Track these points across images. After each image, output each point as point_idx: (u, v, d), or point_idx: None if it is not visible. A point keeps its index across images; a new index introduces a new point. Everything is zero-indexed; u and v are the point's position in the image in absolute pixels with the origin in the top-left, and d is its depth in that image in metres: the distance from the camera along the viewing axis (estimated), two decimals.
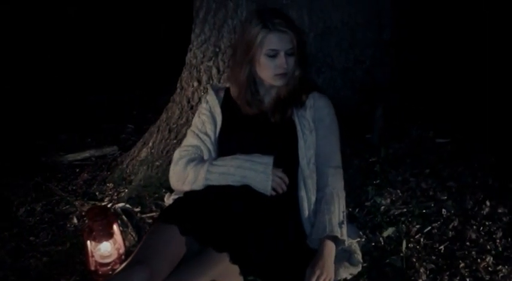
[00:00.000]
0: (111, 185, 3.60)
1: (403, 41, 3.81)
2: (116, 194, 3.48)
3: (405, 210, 2.91)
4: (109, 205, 3.27)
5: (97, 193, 3.52)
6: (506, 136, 3.47)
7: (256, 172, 2.30)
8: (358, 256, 2.48)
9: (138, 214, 3.14)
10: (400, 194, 3.03)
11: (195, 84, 3.30)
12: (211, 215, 2.25)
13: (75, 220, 3.22)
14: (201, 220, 2.23)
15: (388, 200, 2.97)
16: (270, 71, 2.32)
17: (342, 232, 2.32)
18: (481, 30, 4.40)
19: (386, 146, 3.39)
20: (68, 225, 3.20)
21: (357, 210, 2.92)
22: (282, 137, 2.41)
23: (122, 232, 2.80)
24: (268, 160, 2.31)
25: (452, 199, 2.98)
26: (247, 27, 2.31)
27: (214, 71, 3.25)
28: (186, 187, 2.42)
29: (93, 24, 6.67)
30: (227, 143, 2.46)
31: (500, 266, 2.55)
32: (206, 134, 2.47)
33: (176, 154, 2.49)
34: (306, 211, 2.37)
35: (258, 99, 2.45)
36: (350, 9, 3.35)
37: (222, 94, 2.56)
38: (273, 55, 2.28)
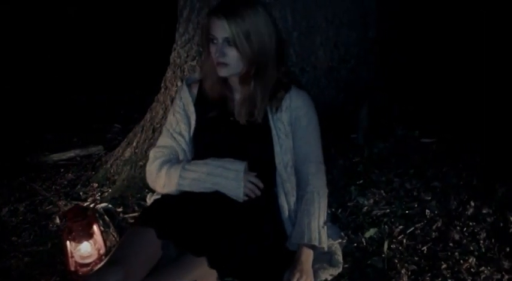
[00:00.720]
0: (95, 185, 3.58)
1: (393, 41, 3.79)
2: (99, 194, 3.46)
3: (388, 211, 2.88)
4: (92, 205, 3.25)
5: (81, 193, 3.50)
6: (492, 136, 3.46)
7: (228, 179, 2.24)
8: (339, 257, 2.45)
9: (121, 214, 3.13)
10: (383, 194, 3.00)
11: (179, 83, 3.28)
12: (189, 218, 2.22)
13: (57, 220, 3.20)
14: (179, 223, 2.20)
15: (371, 201, 2.95)
16: (212, 59, 2.22)
17: (321, 240, 2.29)
18: (468, 31, 4.38)
19: (371, 146, 3.37)
20: (51, 225, 3.18)
21: (339, 210, 2.90)
22: (256, 141, 2.34)
23: (102, 233, 2.78)
24: (240, 166, 2.25)
25: (436, 200, 2.95)
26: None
27: (198, 70, 3.22)
28: (160, 190, 2.39)
29: (90, 25, 6.65)
30: (201, 145, 2.40)
31: (483, 268, 2.52)
32: (180, 134, 2.40)
33: (151, 154, 2.44)
34: (285, 212, 2.34)
35: (226, 96, 2.38)
36: (334, 8, 3.32)
37: (195, 89, 2.44)
38: (213, 42, 2.18)
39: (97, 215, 3.05)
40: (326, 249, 2.35)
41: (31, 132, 4.51)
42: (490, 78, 4.05)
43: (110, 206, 3.11)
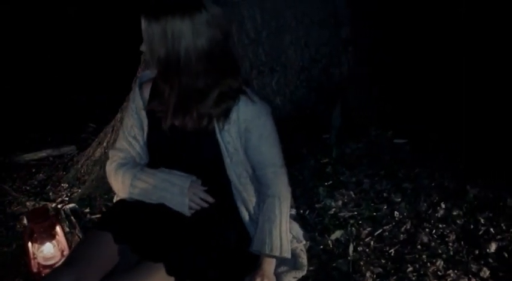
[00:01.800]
0: (65, 185, 3.53)
1: (368, 40, 3.76)
2: (69, 194, 3.41)
3: (356, 212, 2.85)
4: (59, 206, 3.20)
5: (50, 194, 3.46)
6: (465, 138, 3.43)
7: (173, 195, 2.17)
8: (303, 260, 2.41)
9: (88, 215, 3.09)
10: (352, 195, 2.97)
11: None
12: (148, 224, 2.17)
13: (25, 221, 3.14)
14: (137, 228, 2.15)
15: (340, 202, 2.91)
16: None
17: (283, 249, 2.23)
18: (446, 32, 4.36)
19: (342, 146, 3.35)
20: (18, 226, 3.14)
21: (307, 212, 2.86)
22: (205, 153, 2.21)
23: (66, 234, 2.76)
24: (184, 182, 2.17)
25: (407, 201, 2.92)
26: None
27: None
28: (117, 193, 2.34)
29: (80, 25, 6.60)
30: (154, 152, 2.29)
31: (450, 271, 2.50)
32: (135, 138, 2.28)
33: (110, 154, 2.37)
34: (246, 217, 2.28)
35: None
36: (304, 7, 3.29)
37: (147, 91, 2.24)
38: None
39: (63, 216, 3.02)
40: (289, 257, 2.29)
41: (4, 132, 4.44)
42: (466, 79, 4.02)
43: (76, 206, 3.06)
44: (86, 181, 3.42)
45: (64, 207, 3.10)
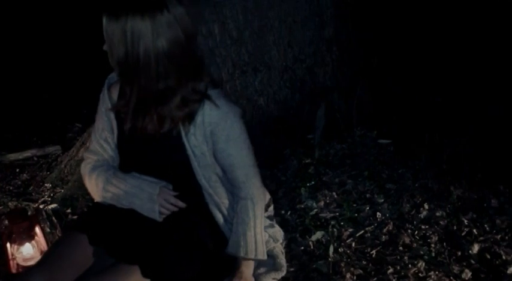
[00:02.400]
0: (49, 185, 3.52)
1: (362, 42, 3.76)
2: (52, 194, 3.40)
3: (338, 213, 2.82)
4: (42, 206, 3.19)
5: (34, 194, 3.45)
6: (450, 138, 3.42)
7: (142, 201, 2.14)
8: (282, 260, 2.39)
9: (70, 216, 3.08)
10: (335, 196, 2.95)
11: None
12: (123, 226, 2.15)
13: (6, 222, 3.12)
14: (112, 230, 2.14)
15: (322, 203, 2.89)
16: None
17: (258, 251, 2.21)
18: (430, 32, 4.36)
19: (326, 146, 3.33)
20: None
21: (288, 213, 2.84)
22: (172, 158, 2.17)
23: (46, 234, 2.74)
24: (154, 189, 2.13)
25: (389, 202, 2.91)
26: None
27: None
28: (91, 194, 2.32)
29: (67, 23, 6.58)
30: (124, 155, 2.25)
31: (431, 272, 2.48)
32: (106, 140, 2.24)
33: (84, 156, 2.35)
34: (220, 220, 2.25)
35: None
36: (287, 7, 3.27)
37: (116, 92, 2.19)
38: None
39: (44, 216, 3.00)
40: (265, 258, 2.27)
41: None
42: (451, 79, 4.01)
43: (58, 207, 3.05)
44: (69, 181, 3.41)
45: (46, 207, 3.08)
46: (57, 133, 4.34)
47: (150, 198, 2.12)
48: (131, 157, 2.21)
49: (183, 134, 2.08)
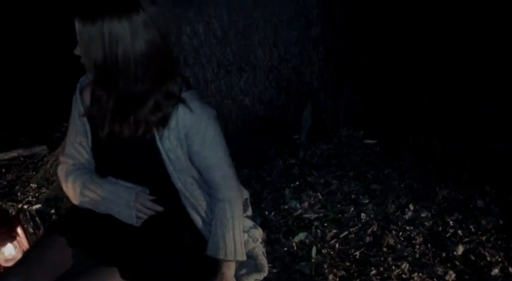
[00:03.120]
0: (34, 185, 3.50)
1: (349, 41, 3.74)
2: (37, 195, 3.38)
3: (322, 214, 2.81)
4: (26, 206, 3.17)
5: (19, 194, 3.43)
6: (436, 139, 3.41)
7: (120, 207, 2.12)
8: (262, 260, 2.37)
9: (53, 216, 3.06)
10: (320, 197, 2.93)
11: None
12: (102, 228, 2.13)
13: None
14: (92, 232, 2.12)
15: (306, 204, 2.87)
16: None
17: (237, 253, 2.19)
18: (416, 33, 4.35)
19: (312, 147, 3.32)
20: None
21: (272, 213, 2.82)
22: (147, 162, 2.15)
23: (29, 235, 2.73)
24: (130, 194, 2.11)
25: (374, 203, 2.89)
26: None
27: None
28: (69, 197, 2.30)
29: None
30: (99, 158, 2.22)
31: (415, 274, 2.46)
32: (81, 144, 2.21)
33: (60, 159, 2.32)
34: (199, 223, 2.23)
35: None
36: (272, 6, 3.26)
37: (88, 96, 2.15)
38: None
39: (28, 216, 2.99)
40: (245, 259, 2.25)
41: None
42: (437, 79, 4.00)
43: (42, 207, 3.04)
44: (54, 182, 3.39)
45: (29, 208, 3.07)
46: (44, 133, 4.31)
47: (127, 204, 2.10)
48: (106, 161, 2.18)
49: (157, 138, 2.05)
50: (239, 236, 2.20)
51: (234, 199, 2.19)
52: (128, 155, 2.11)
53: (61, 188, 2.99)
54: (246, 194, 2.46)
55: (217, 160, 2.14)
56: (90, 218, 2.16)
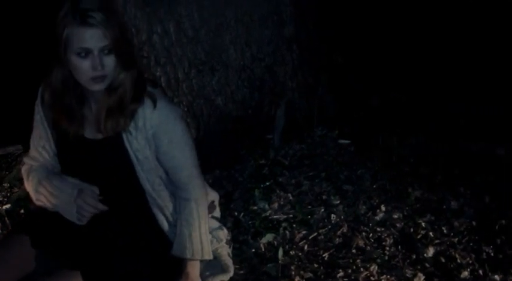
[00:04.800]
0: (7, 185, 3.46)
1: (323, 40, 3.72)
2: (8, 194, 3.35)
3: (291, 215, 2.78)
4: None
5: None
6: (409, 139, 3.38)
7: (62, 203, 2.09)
8: (227, 261, 2.35)
9: (23, 216, 3.02)
10: (290, 198, 2.91)
11: None
12: (67, 230, 2.11)
13: None
14: (56, 234, 2.10)
15: (276, 205, 2.85)
16: (85, 74, 1.90)
17: (204, 251, 2.18)
18: (392, 30, 4.33)
19: (285, 147, 3.29)
20: None
21: (242, 214, 2.80)
22: (115, 163, 2.13)
23: None
24: (72, 190, 2.08)
25: (345, 204, 2.87)
26: (59, 16, 1.89)
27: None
28: None
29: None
30: (63, 162, 2.19)
31: (383, 276, 2.43)
32: (44, 148, 2.19)
33: (23, 160, 2.29)
34: (165, 225, 2.21)
35: (79, 113, 2.07)
36: (243, 5, 3.24)
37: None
38: (82, 55, 1.87)
39: None
40: (211, 258, 2.23)
41: None
42: (413, 77, 3.99)
43: (12, 207, 3.05)
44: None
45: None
46: (19, 132, 4.25)
47: (68, 200, 2.07)
48: (73, 164, 2.15)
49: (124, 138, 2.05)
50: (205, 235, 2.19)
51: (200, 198, 2.19)
52: (96, 156, 2.10)
53: None
54: (215, 196, 2.44)
55: (185, 159, 2.14)
56: (55, 218, 2.12)
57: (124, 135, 2.04)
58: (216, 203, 2.44)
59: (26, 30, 5.91)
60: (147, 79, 2.09)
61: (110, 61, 1.90)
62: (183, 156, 2.13)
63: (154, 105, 2.01)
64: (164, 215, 2.19)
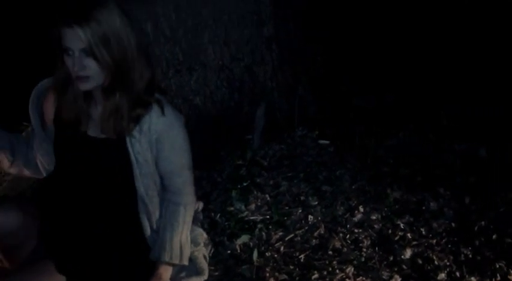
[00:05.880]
0: None
1: (303, 40, 3.70)
2: None
3: (268, 216, 2.76)
4: None
5: None
6: (389, 140, 3.38)
7: None
8: (203, 263, 2.32)
9: None
10: (268, 198, 2.89)
11: None
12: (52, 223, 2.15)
13: None
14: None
15: (253, 206, 2.83)
16: (72, 72, 1.92)
17: (182, 256, 2.18)
18: (372, 31, 4.32)
19: (265, 147, 3.28)
20: None
21: (218, 215, 2.78)
22: (114, 163, 2.14)
23: None
24: None
25: (323, 205, 2.85)
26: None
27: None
28: None
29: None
30: (60, 161, 2.18)
31: (360, 277, 2.42)
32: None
33: None
34: (147, 231, 2.20)
35: (85, 111, 2.09)
36: (221, 5, 3.22)
37: (51, 102, 2.15)
38: (68, 53, 1.88)
39: None
40: (187, 263, 2.22)
41: None
42: (393, 77, 3.99)
43: None
44: (4, 182, 3.35)
45: None
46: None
47: None
48: (71, 160, 2.15)
49: (127, 139, 2.05)
50: (186, 241, 2.20)
51: (189, 204, 2.21)
52: (96, 155, 2.10)
53: (10, 189, 3.00)
54: (199, 203, 2.47)
55: (182, 166, 2.16)
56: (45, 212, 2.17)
57: (127, 137, 2.05)
58: (200, 209, 2.46)
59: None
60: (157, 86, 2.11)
61: (90, 63, 1.88)
62: (181, 162, 2.15)
63: (162, 112, 2.02)
64: (150, 222, 2.18)
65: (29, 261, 2.11)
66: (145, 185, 2.12)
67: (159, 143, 2.07)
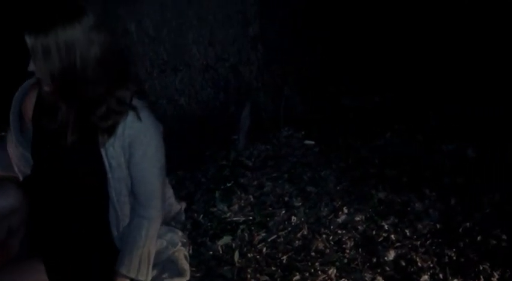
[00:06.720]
0: None
1: (288, 40, 3.69)
2: None
3: (251, 217, 2.75)
4: None
5: None
6: (375, 140, 3.36)
7: None
8: (184, 264, 2.31)
9: None
10: (251, 199, 2.87)
11: None
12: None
13: None
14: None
15: (236, 206, 2.82)
16: None
17: (140, 272, 2.13)
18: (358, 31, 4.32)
19: (250, 147, 3.28)
20: None
21: (201, 216, 2.77)
22: (87, 167, 2.13)
23: None
24: None
25: (307, 206, 2.83)
26: None
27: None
28: None
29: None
30: (40, 159, 2.17)
31: (342, 279, 2.40)
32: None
33: None
34: (115, 232, 2.19)
35: (63, 113, 2.07)
36: (206, 4, 3.19)
37: (31, 103, 2.14)
38: None
39: None
40: (147, 280, 2.17)
41: None
42: (379, 76, 3.98)
43: None
44: None
45: None
46: None
47: None
48: (45, 161, 2.15)
49: (101, 144, 2.04)
50: (147, 256, 2.15)
51: (154, 219, 2.17)
52: (71, 157, 2.08)
53: None
54: (183, 204, 2.50)
55: (152, 175, 2.13)
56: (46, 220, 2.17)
57: (101, 141, 2.03)
58: (183, 210, 2.47)
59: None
60: (135, 91, 2.07)
61: (34, 67, 1.90)
62: (151, 172, 2.12)
63: (138, 117, 2.00)
64: (118, 230, 2.17)
65: (15, 257, 2.10)
66: (117, 190, 2.11)
67: (132, 147, 2.05)
